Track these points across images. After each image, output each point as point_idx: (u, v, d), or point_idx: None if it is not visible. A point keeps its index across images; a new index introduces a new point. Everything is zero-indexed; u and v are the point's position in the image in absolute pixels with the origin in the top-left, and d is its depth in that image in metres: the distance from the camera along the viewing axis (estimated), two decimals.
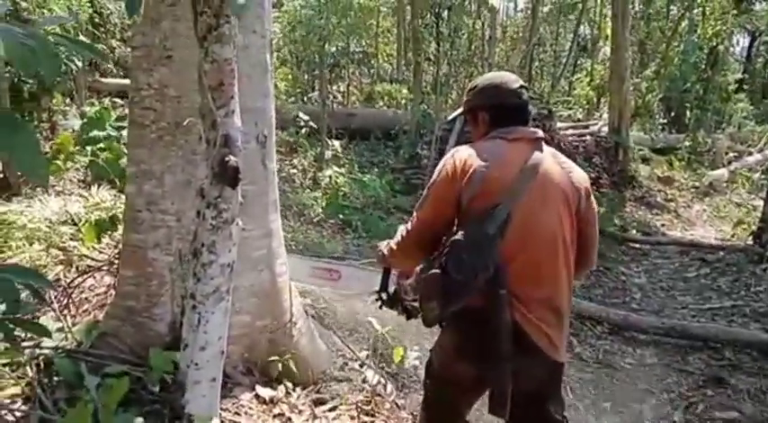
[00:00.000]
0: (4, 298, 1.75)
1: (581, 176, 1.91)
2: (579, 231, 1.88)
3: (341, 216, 6.87)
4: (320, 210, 6.92)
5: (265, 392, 2.58)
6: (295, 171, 7.98)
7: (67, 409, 2.16)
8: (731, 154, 13.96)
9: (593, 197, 1.94)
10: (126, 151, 3.05)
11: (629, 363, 4.23)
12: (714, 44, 14.24)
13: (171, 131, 2.53)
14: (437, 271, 1.70)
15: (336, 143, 9.32)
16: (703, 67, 14.27)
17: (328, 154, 8.72)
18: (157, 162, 2.55)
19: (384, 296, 2.33)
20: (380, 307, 2.37)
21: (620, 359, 4.27)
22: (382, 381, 2.98)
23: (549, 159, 1.85)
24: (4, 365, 2.29)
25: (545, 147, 1.89)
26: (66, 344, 2.54)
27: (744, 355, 4.23)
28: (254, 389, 2.59)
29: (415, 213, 1.91)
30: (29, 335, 2.38)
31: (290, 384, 2.68)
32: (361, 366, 3.05)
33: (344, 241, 6.18)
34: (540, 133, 1.91)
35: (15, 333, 2.00)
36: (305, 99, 12.62)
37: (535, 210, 1.76)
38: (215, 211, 2.00)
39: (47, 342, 2.46)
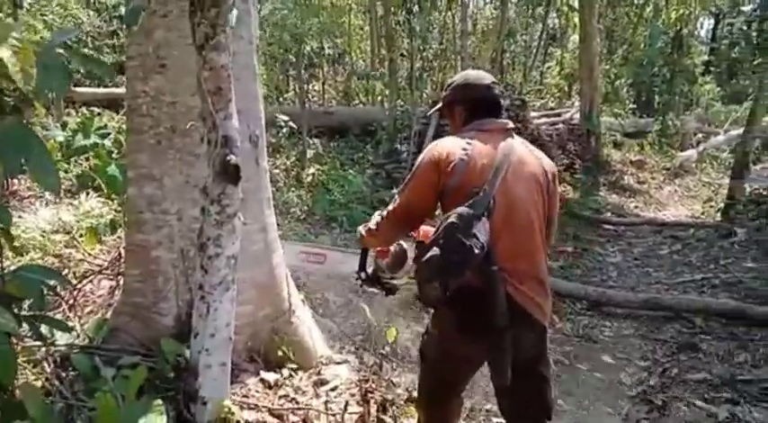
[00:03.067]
0: (31, 295, 1.91)
1: (549, 162, 2.14)
2: (548, 211, 2.08)
3: (326, 212, 7.04)
4: (306, 207, 7.08)
5: (270, 376, 2.75)
6: (278, 171, 8.10)
7: (87, 399, 2.31)
8: (699, 135, 14.39)
9: (557, 181, 2.14)
10: (125, 157, 3.19)
11: (607, 335, 4.48)
12: (678, 28, 14.62)
13: (168, 136, 2.68)
14: (436, 252, 1.82)
15: (317, 141, 9.46)
16: (669, 51, 14.65)
17: (310, 153, 8.87)
18: (156, 165, 2.70)
19: (363, 275, 2.51)
20: (361, 285, 2.55)
21: (599, 332, 4.52)
22: (377, 361, 3.16)
23: (521, 147, 2.07)
24: (24, 363, 2.42)
25: (516, 136, 2.10)
26: (78, 341, 2.68)
27: (714, 322, 4.51)
28: (258, 374, 2.75)
29: (396, 196, 2.11)
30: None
31: (292, 367, 2.85)
32: (356, 349, 3.23)
33: (332, 236, 6.34)
34: (511, 124, 2.12)
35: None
36: (280, 100, 12.71)
37: (513, 191, 1.95)
38: (218, 207, 2.17)
39: (60, 340, 2.60)
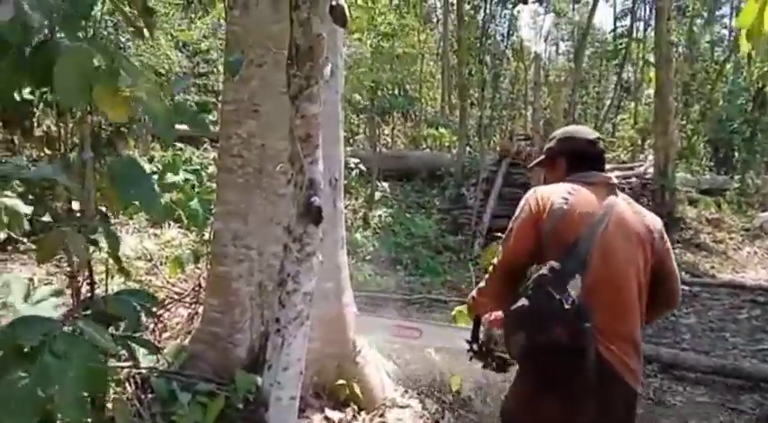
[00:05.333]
0: (128, 317, 2.06)
1: (654, 219, 2.05)
2: (659, 270, 2.00)
3: (392, 254, 7.14)
4: (372, 247, 7.20)
5: (334, 415, 2.80)
6: (347, 211, 8.32)
7: None
8: None
9: (666, 237, 2.05)
10: (214, 192, 3.41)
11: (679, 400, 4.27)
12: (761, 85, 14.18)
13: (256, 176, 2.85)
14: (524, 303, 1.78)
15: (385, 185, 9.66)
16: (750, 108, 14.20)
17: (378, 195, 9.06)
18: (243, 203, 2.87)
19: (475, 347, 2.26)
20: (470, 358, 2.30)
21: (670, 397, 4.30)
22: (440, 409, 3.16)
23: (623, 203, 2.01)
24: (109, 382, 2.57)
25: (619, 192, 2.05)
26: (158, 365, 2.83)
27: None
28: (323, 411, 2.81)
29: (500, 248, 2.05)
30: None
31: (355, 407, 2.89)
32: (419, 394, 3.24)
33: (396, 277, 6.42)
34: (615, 179, 2.08)
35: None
36: (351, 142, 13.08)
37: (613, 247, 1.88)
38: (299, 245, 2.28)
39: (142, 362, 2.76)
